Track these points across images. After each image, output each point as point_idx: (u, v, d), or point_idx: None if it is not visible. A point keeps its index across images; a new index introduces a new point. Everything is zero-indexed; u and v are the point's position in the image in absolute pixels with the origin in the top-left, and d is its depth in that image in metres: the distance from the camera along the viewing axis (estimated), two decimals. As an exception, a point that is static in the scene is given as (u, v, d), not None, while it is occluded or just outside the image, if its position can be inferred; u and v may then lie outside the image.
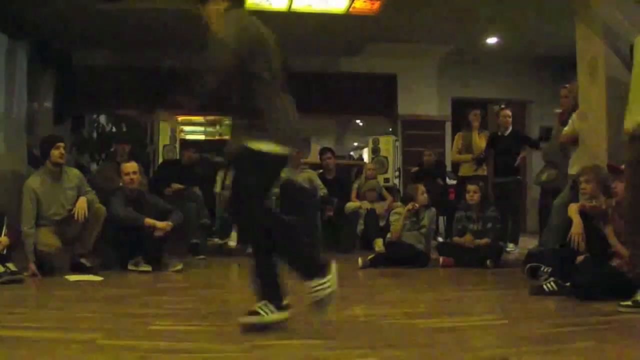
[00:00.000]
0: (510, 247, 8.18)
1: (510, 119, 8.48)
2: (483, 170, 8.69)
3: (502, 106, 8.79)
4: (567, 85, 6.94)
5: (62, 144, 6.06)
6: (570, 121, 6.73)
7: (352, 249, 8.28)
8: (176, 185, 7.90)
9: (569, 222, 5.08)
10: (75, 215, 5.94)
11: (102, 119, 12.30)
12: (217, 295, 5.22)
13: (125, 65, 10.75)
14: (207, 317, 4.03)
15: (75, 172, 6.34)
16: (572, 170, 6.46)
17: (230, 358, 3.00)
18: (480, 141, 8.66)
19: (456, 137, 9.26)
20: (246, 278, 6.82)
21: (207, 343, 3.28)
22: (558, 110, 7.89)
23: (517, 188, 8.41)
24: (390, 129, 12.23)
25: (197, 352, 3.07)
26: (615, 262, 4.80)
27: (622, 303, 4.17)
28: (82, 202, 6.00)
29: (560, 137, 6.83)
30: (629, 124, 4.22)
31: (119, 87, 10.77)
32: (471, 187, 7.07)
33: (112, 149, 8.43)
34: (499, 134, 8.54)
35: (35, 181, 5.96)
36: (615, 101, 5.91)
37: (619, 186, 4.78)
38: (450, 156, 9.24)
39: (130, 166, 6.46)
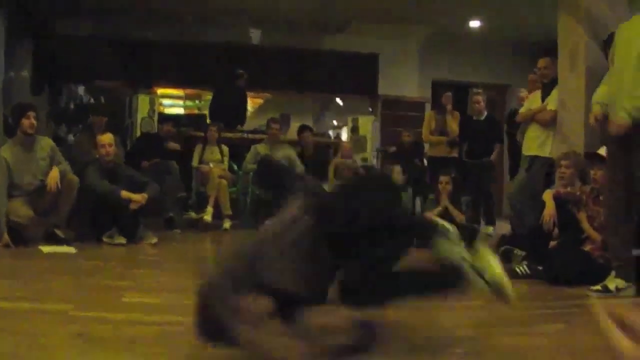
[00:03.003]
0: (490, 230, 8.21)
1: (482, 105, 8.44)
2: (455, 152, 8.71)
3: (478, 90, 8.77)
4: (536, 71, 6.95)
5: (32, 113, 5.96)
6: (526, 102, 6.83)
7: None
8: (153, 159, 7.85)
9: (542, 206, 5.13)
10: (47, 186, 5.88)
11: (81, 90, 12.17)
12: (191, 269, 5.20)
13: (106, 37, 10.66)
14: (180, 291, 4.02)
15: (48, 141, 6.26)
16: (528, 151, 6.52)
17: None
18: (453, 123, 8.67)
19: (428, 116, 9.26)
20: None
21: (180, 316, 3.26)
22: (524, 94, 7.98)
23: (489, 170, 8.41)
24: (370, 109, 12.24)
25: (169, 324, 3.08)
26: (587, 248, 4.86)
27: (592, 287, 4.27)
28: (54, 173, 5.94)
29: (518, 117, 6.89)
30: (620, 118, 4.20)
31: (99, 59, 10.64)
32: (443, 179, 7.06)
33: (89, 121, 8.35)
34: (474, 118, 8.54)
35: (6, 151, 5.89)
36: (595, 89, 5.95)
37: (598, 174, 4.83)
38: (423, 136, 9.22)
39: (106, 138, 6.39)
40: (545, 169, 6.29)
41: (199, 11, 10.30)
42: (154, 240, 6.25)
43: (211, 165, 8.21)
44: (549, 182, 5.92)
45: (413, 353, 2.76)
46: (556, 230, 5.13)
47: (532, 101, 6.73)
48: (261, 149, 8.56)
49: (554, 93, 6.39)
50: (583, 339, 3.16)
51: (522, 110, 6.89)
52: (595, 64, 5.94)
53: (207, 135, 8.53)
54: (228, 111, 9.65)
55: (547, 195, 5.18)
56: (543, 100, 6.51)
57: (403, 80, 11.77)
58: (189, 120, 10.66)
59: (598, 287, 4.25)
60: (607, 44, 5.77)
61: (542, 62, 6.57)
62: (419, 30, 11.34)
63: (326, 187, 8.14)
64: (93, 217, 6.32)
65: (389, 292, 2.73)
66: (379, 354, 2.66)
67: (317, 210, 2.64)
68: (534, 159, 6.46)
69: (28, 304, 3.39)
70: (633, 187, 4.16)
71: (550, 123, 6.37)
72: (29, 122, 5.92)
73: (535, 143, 6.48)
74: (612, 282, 4.22)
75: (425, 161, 9.67)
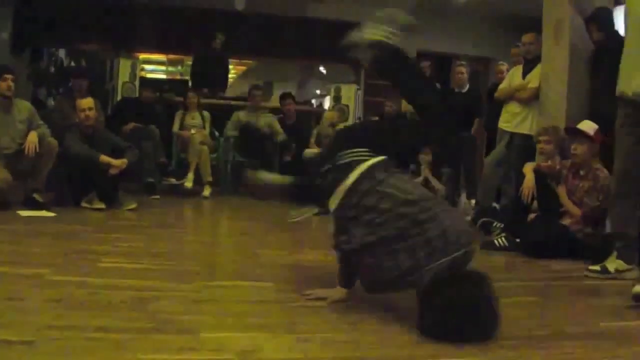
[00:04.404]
0: (471, 203, 8.22)
1: (465, 76, 8.36)
2: None
3: (462, 62, 8.69)
4: (519, 45, 6.92)
5: (9, 76, 5.85)
6: (507, 77, 6.81)
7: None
8: (133, 124, 7.79)
9: (521, 179, 5.16)
10: (26, 150, 5.80)
11: (62, 53, 12.01)
12: (170, 235, 5.21)
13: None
14: (158, 256, 4.02)
15: (26, 105, 6.16)
16: (507, 126, 6.52)
17: (179, 296, 3.00)
18: None
19: None
20: (200, 219, 6.86)
21: (157, 281, 3.28)
22: (504, 67, 7.97)
23: (470, 144, 8.37)
24: (354, 79, 12.18)
25: (147, 289, 3.07)
26: (565, 222, 4.90)
27: (590, 268, 4.08)
28: (32, 136, 5.85)
29: (497, 93, 6.87)
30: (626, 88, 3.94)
31: (81, 21, 10.49)
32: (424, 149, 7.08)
33: (69, 84, 8.26)
34: (455, 90, 8.46)
35: (-18, 114, 5.81)
36: (578, 64, 5.96)
37: (579, 148, 4.84)
38: (403, 106, 9.20)
39: (86, 102, 6.31)
40: (524, 145, 6.30)
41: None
42: (133, 205, 6.23)
43: (192, 131, 8.16)
44: (527, 157, 5.93)
45: (382, 323, 2.78)
46: (535, 204, 5.17)
47: (512, 76, 6.71)
48: (242, 115, 8.52)
49: (537, 70, 6.37)
50: (557, 311, 3.20)
51: (502, 85, 6.87)
52: (579, 38, 5.95)
53: (186, 102, 8.48)
54: (208, 76, 9.57)
55: (528, 168, 5.20)
56: (524, 76, 6.50)
57: (387, 50, 11.72)
58: (170, 86, 10.59)
59: (597, 267, 4.04)
60: (589, 22, 5.78)
61: (527, 37, 6.53)
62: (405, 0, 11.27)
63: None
64: (72, 182, 6.27)
65: None
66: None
67: None
68: (513, 135, 6.48)
69: (4, 267, 3.36)
70: None
71: (530, 100, 6.37)
72: (6, 84, 5.81)
73: (515, 119, 6.48)
74: (613, 264, 4.02)
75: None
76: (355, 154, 2.99)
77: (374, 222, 2.74)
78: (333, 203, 2.92)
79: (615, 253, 4.07)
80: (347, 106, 10.41)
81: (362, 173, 2.89)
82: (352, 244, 2.82)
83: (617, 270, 4.00)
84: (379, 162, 2.94)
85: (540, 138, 5.41)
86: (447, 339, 2.45)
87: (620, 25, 5.11)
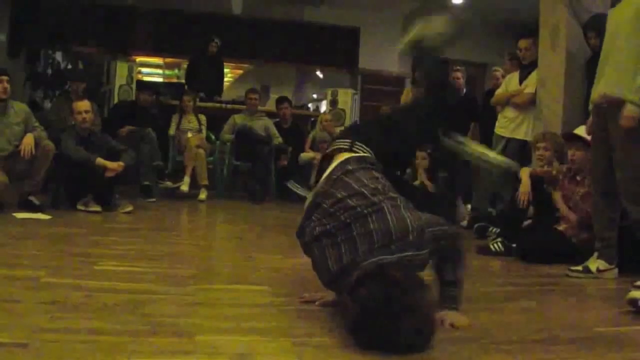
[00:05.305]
0: (467, 207, 8.20)
1: (461, 81, 8.33)
2: None
3: (458, 67, 8.68)
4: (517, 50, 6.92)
5: (5, 77, 5.85)
6: (504, 83, 6.81)
7: (305, 199, 8.29)
8: (129, 127, 7.78)
9: (517, 184, 5.16)
10: (22, 152, 5.79)
11: (59, 55, 12.00)
12: (166, 238, 5.20)
13: (87, 1, 10.48)
14: (154, 259, 4.02)
15: (22, 106, 6.16)
16: (503, 132, 6.52)
17: (173, 300, 3.00)
18: None
19: (405, 91, 9.26)
20: (196, 222, 6.84)
21: (153, 284, 3.27)
22: (499, 72, 7.97)
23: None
24: (350, 83, 12.21)
25: (142, 292, 3.06)
26: (562, 227, 4.90)
27: (572, 268, 4.22)
28: (29, 139, 5.85)
29: (493, 99, 6.87)
30: (594, 94, 4.18)
31: (78, 24, 10.50)
32: (420, 154, 7.05)
33: (66, 87, 8.26)
34: None
35: (-22, 116, 5.79)
36: (575, 70, 5.98)
37: (577, 154, 4.84)
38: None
39: (83, 105, 6.30)
40: (520, 151, 6.30)
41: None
42: (129, 208, 6.22)
43: (189, 134, 8.16)
44: (523, 162, 5.93)
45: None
46: (531, 209, 5.18)
47: (509, 82, 6.72)
48: (239, 119, 8.53)
49: (533, 76, 6.38)
50: (552, 316, 3.20)
51: (498, 91, 6.87)
52: (575, 43, 5.97)
53: (182, 105, 8.48)
54: (203, 80, 9.57)
55: (524, 172, 5.20)
56: (521, 82, 6.50)
57: (384, 55, 11.75)
58: (167, 89, 10.59)
59: (579, 267, 4.19)
60: (587, 28, 5.79)
61: (523, 43, 6.52)
62: (402, 4, 11.30)
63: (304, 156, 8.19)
64: (68, 184, 6.26)
65: None
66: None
67: None
68: (508, 140, 6.48)
69: (0, 270, 3.36)
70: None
71: (526, 106, 6.37)
72: (1, 86, 5.81)
73: (511, 125, 6.48)
74: (594, 264, 4.16)
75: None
76: (340, 143, 3.10)
77: (327, 211, 2.69)
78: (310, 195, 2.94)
79: (596, 253, 4.23)
80: (344, 110, 10.41)
81: (337, 164, 2.93)
82: (304, 238, 2.82)
83: (598, 270, 4.16)
84: (357, 157, 2.98)
85: (539, 145, 5.41)
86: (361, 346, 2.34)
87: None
